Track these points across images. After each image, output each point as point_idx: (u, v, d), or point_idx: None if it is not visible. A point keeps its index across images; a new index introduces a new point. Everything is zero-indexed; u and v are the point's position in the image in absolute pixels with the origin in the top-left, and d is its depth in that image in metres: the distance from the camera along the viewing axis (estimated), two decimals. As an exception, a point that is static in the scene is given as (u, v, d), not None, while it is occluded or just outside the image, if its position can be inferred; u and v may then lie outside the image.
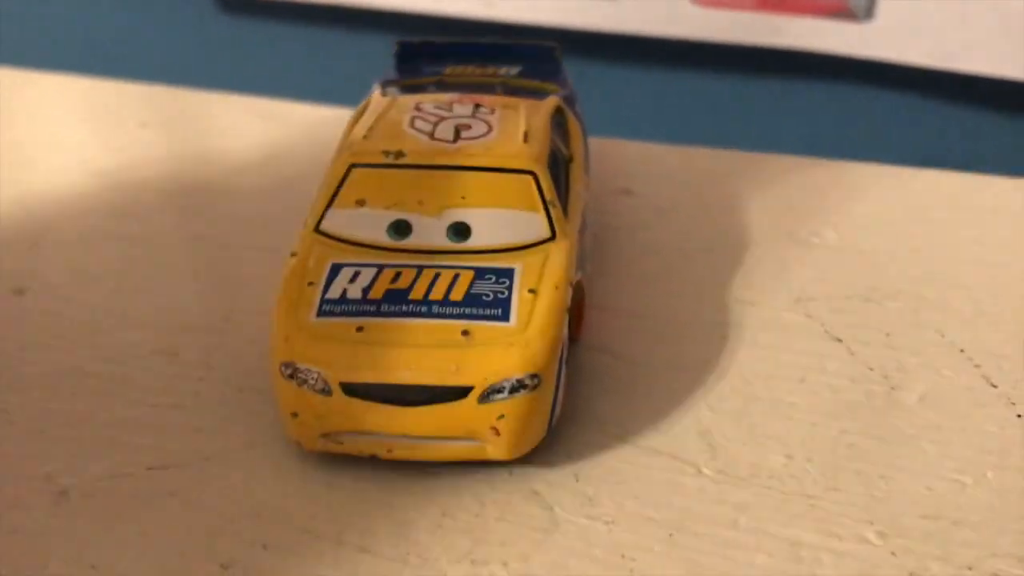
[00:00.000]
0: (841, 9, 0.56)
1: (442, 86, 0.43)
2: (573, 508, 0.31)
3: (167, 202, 0.49)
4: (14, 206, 0.48)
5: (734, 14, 0.57)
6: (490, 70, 0.45)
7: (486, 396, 0.30)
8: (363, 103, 0.43)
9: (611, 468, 0.33)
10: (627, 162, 0.52)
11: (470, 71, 0.45)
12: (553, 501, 0.32)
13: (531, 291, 0.32)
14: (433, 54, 0.46)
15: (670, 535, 0.30)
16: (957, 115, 0.59)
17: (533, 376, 0.31)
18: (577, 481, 0.32)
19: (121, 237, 0.46)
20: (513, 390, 0.31)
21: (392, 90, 0.42)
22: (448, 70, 0.45)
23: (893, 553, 0.29)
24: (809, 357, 0.37)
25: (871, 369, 0.37)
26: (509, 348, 0.31)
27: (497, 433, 0.31)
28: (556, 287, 0.33)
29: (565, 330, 0.32)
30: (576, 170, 0.39)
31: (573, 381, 0.35)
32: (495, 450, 0.31)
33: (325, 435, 0.32)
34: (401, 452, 0.32)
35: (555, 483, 0.32)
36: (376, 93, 0.42)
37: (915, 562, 0.29)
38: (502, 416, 0.31)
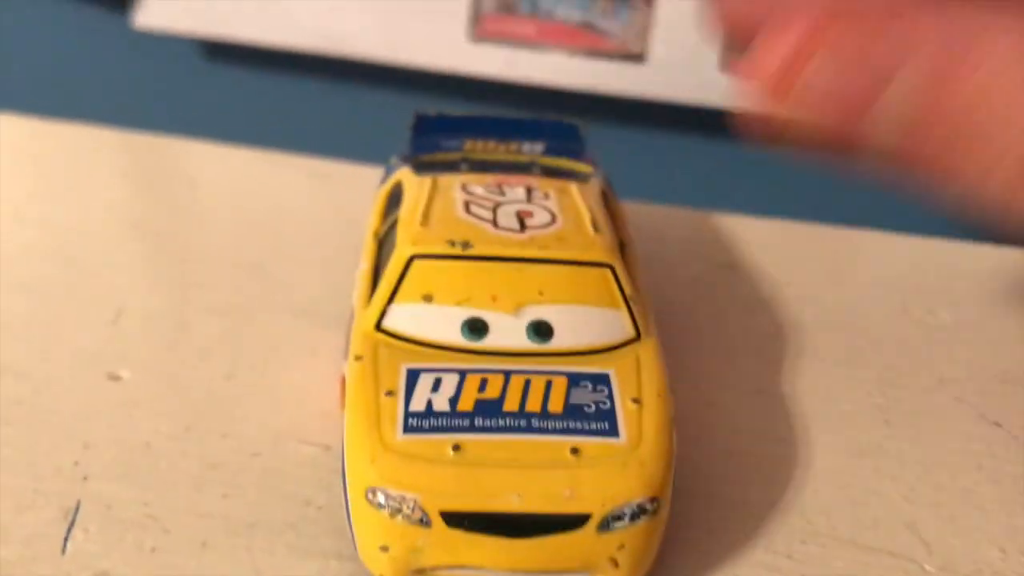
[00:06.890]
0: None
1: (471, 164, 0.40)
2: None
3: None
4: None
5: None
6: (512, 146, 0.42)
7: (605, 524, 0.27)
8: (389, 180, 0.39)
9: (836, 569, 0.31)
10: (712, 235, 0.49)
11: (492, 147, 0.42)
12: None
13: (634, 400, 0.30)
14: (451, 127, 0.43)
15: None
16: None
17: (653, 500, 0.28)
18: None
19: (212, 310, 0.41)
20: (634, 516, 0.28)
21: (420, 169, 0.38)
22: (468, 144, 0.42)
23: None
24: (975, 443, 0.36)
25: (1042, 455, 0.35)
26: (625, 469, 0.28)
27: (616, 565, 0.28)
28: (659, 395, 0.30)
29: (675, 445, 0.29)
30: (633, 257, 0.37)
31: (758, 471, 0.34)
32: (610, 582, 0.28)
33: (418, 571, 0.28)
34: (504, 587, 0.28)
35: None
36: (406, 171, 0.38)
37: None
38: (622, 546, 0.28)
